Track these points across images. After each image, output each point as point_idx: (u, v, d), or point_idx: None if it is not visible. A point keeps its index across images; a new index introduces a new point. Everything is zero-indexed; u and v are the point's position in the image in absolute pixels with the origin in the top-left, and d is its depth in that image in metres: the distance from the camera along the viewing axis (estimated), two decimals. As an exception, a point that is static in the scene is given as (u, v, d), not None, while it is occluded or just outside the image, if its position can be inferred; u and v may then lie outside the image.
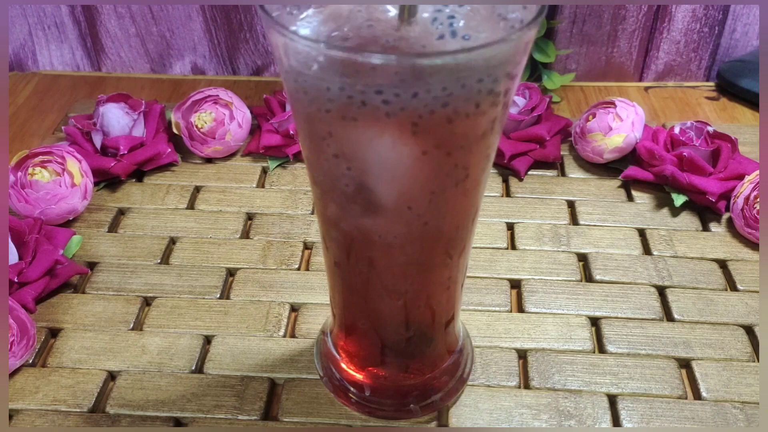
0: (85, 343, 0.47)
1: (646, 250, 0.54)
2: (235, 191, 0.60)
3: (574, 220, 0.57)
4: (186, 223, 0.56)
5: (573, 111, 0.70)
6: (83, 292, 0.51)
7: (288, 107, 0.63)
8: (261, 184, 0.61)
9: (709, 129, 0.58)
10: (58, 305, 0.50)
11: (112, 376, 0.46)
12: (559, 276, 0.52)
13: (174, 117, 0.62)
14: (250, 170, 0.62)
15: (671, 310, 0.49)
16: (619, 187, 0.60)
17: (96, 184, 0.59)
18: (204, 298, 0.50)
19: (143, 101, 0.62)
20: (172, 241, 0.55)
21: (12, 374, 0.45)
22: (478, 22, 0.31)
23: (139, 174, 0.61)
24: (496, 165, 0.61)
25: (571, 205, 0.59)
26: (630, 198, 0.59)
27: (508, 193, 0.60)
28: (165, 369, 0.46)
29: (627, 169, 0.60)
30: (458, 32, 0.30)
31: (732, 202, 0.55)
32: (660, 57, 0.74)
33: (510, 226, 0.57)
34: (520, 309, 0.50)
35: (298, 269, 0.53)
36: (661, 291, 0.51)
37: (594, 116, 0.61)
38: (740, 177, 0.56)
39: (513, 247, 0.55)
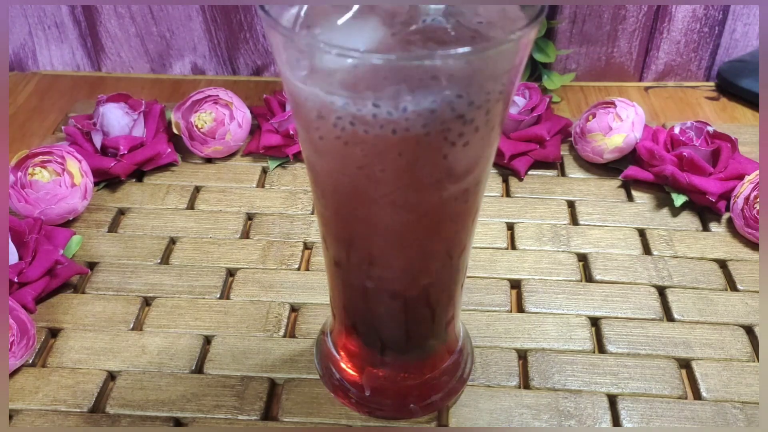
0: (85, 343, 0.47)
1: (646, 250, 0.54)
2: (235, 191, 0.60)
3: (574, 220, 0.57)
4: (186, 223, 0.56)
5: (573, 111, 0.70)
6: (83, 292, 0.51)
7: (288, 107, 0.63)
8: (261, 184, 0.61)
9: (709, 129, 0.58)
10: (58, 305, 0.50)
11: (112, 376, 0.46)
12: (559, 276, 0.52)
13: (174, 117, 0.62)
14: (250, 170, 0.62)
15: (671, 310, 0.49)
16: (619, 187, 0.60)
17: (96, 184, 0.59)
18: (204, 298, 0.50)
19: (143, 101, 0.62)
20: (172, 241, 0.55)
21: (12, 374, 0.45)
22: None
23: (139, 174, 0.61)
24: (496, 165, 0.61)
25: (571, 205, 0.59)
26: (630, 198, 0.59)
27: (508, 193, 0.60)
28: (165, 369, 0.46)
29: (627, 169, 0.60)
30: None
31: (732, 202, 0.55)
32: (660, 57, 0.74)
33: (510, 226, 0.57)
34: (520, 309, 0.50)
35: (298, 269, 0.53)
36: (661, 291, 0.51)
37: (594, 116, 0.61)
38: (740, 177, 0.56)
39: (513, 247, 0.55)
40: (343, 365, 0.43)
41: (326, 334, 0.44)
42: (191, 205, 0.59)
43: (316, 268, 0.53)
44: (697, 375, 0.45)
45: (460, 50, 0.27)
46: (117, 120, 0.60)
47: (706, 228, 0.56)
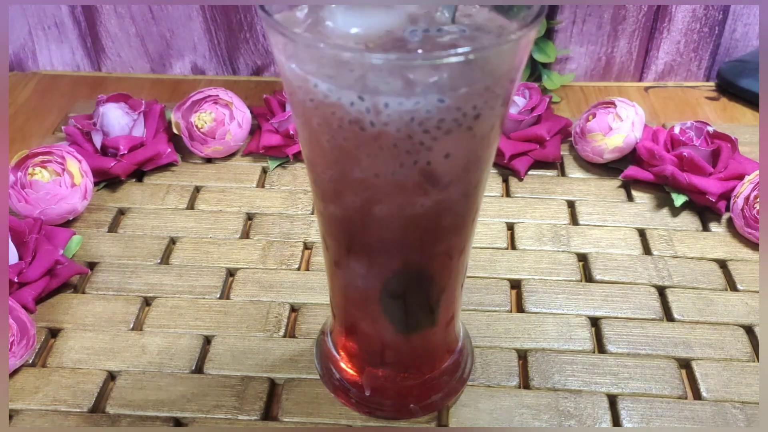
0: (85, 343, 0.47)
1: (646, 250, 0.54)
2: (235, 191, 0.60)
3: (574, 220, 0.57)
4: (186, 223, 0.56)
5: (573, 111, 0.70)
6: (83, 292, 0.51)
7: (288, 107, 0.63)
8: (261, 184, 0.61)
9: (709, 129, 0.58)
10: (58, 305, 0.50)
11: (112, 376, 0.46)
12: (559, 276, 0.52)
13: (174, 117, 0.62)
14: (250, 170, 0.62)
15: (671, 310, 0.49)
16: (619, 187, 0.60)
17: (96, 184, 0.59)
18: (204, 298, 0.50)
19: (143, 101, 0.62)
20: (172, 241, 0.55)
21: (12, 374, 0.45)
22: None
23: (139, 174, 0.61)
24: (496, 165, 0.61)
25: (571, 205, 0.59)
26: (630, 198, 0.59)
27: (508, 193, 0.60)
28: (165, 369, 0.46)
29: (627, 169, 0.60)
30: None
31: (732, 202, 0.55)
32: (660, 57, 0.74)
33: (510, 226, 0.57)
34: (520, 309, 0.50)
35: (298, 269, 0.53)
36: (661, 291, 0.51)
37: (594, 116, 0.61)
38: (740, 177, 0.56)
39: (513, 247, 0.55)
40: (343, 365, 0.43)
41: (326, 334, 0.44)
42: (191, 205, 0.59)
43: (316, 268, 0.53)
44: (697, 375, 0.45)
45: (460, 50, 0.27)
46: (117, 120, 0.60)
47: (706, 228, 0.56)
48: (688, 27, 0.72)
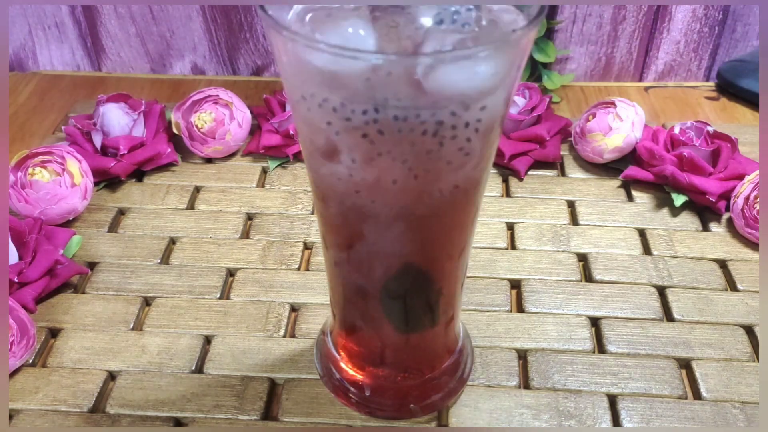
0: (85, 343, 0.47)
1: (646, 250, 0.54)
2: (235, 191, 0.60)
3: (574, 220, 0.57)
4: (186, 223, 0.56)
5: (573, 111, 0.70)
6: (83, 292, 0.51)
7: (288, 107, 0.63)
8: (261, 184, 0.61)
9: (709, 129, 0.58)
10: (58, 305, 0.50)
11: (112, 376, 0.46)
12: (559, 276, 0.52)
13: (174, 117, 0.62)
14: (250, 170, 0.62)
15: (671, 310, 0.49)
16: (619, 187, 0.60)
17: (96, 184, 0.59)
18: (204, 298, 0.50)
19: (143, 101, 0.62)
20: (172, 241, 0.55)
21: (12, 374, 0.45)
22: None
23: (139, 174, 0.61)
24: (496, 165, 0.61)
25: (571, 205, 0.59)
26: (630, 198, 0.59)
27: (508, 193, 0.60)
28: (165, 369, 0.46)
29: (627, 169, 0.60)
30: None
31: (732, 202, 0.55)
32: (660, 57, 0.74)
33: (510, 226, 0.57)
34: (520, 309, 0.50)
35: (298, 269, 0.53)
36: (661, 291, 0.51)
37: (594, 116, 0.61)
38: (740, 177, 0.56)
39: (513, 247, 0.55)
40: (343, 365, 0.43)
41: (326, 334, 0.44)
42: (191, 205, 0.59)
43: (316, 268, 0.53)
44: (697, 375, 0.45)
45: (461, 50, 0.27)
46: (117, 120, 0.60)
47: (706, 228, 0.56)
48: (688, 27, 0.72)
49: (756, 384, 0.44)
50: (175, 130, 0.62)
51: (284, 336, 0.48)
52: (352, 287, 0.39)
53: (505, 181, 0.61)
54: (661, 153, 0.58)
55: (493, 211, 0.57)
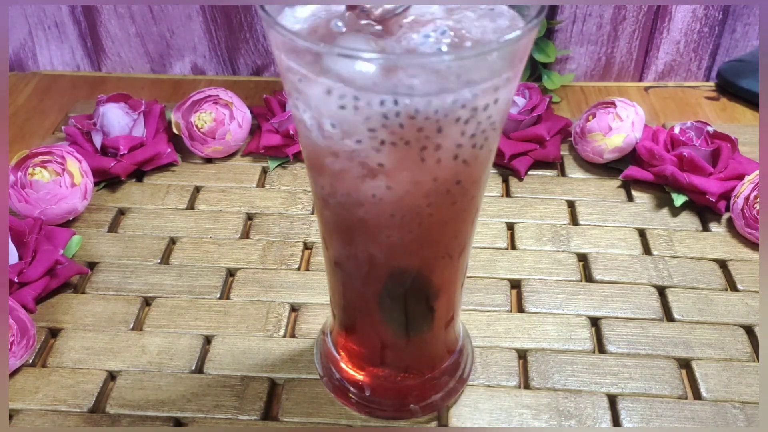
0: (85, 343, 0.47)
1: (646, 250, 0.54)
2: (235, 191, 0.60)
3: (574, 220, 0.57)
4: (186, 223, 0.56)
5: (573, 111, 0.70)
6: (83, 292, 0.51)
7: (288, 107, 0.63)
8: (261, 184, 0.61)
9: (709, 129, 0.58)
10: (58, 305, 0.50)
11: (112, 376, 0.46)
12: (559, 276, 0.52)
13: (174, 117, 0.62)
14: (250, 170, 0.62)
15: (671, 310, 0.49)
16: (619, 187, 0.60)
17: (96, 184, 0.59)
18: (204, 298, 0.50)
19: (143, 101, 0.62)
20: (172, 241, 0.55)
21: (12, 374, 0.45)
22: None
23: (139, 174, 0.61)
24: (496, 165, 0.61)
25: (571, 205, 0.59)
26: (630, 198, 0.59)
27: (508, 193, 0.60)
28: (165, 369, 0.46)
29: (627, 169, 0.60)
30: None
31: (732, 202, 0.55)
32: (660, 57, 0.74)
33: (510, 226, 0.57)
34: (520, 309, 0.50)
35: (298, 269, 0.53)
36: (661, 291, 0.51)
37: (594, 116, 0.61)
38: (740, 177, 0.56)
39: (513, 247, 0.55)
40: (343, 365, 0.43)
41: (326, 334, 0.44)
42: (191, 205, 0.59)
43: (316, 268, 0.53)
44: (697, 375, 0.45)
45: (460, 51, 0.27)
46: (117, 120, 0.60)
47: (706, 228, 0.56)
48: (688, 27, 0.72)
49: (756, 384, 0.44)
50: (175, 130, 0.62)
51: (284, 336, 0.48)
52: (352, 287, 0.39)
53: (505, 181, 0.61)
54: (661, 153, 0.58)
55: (493, 211, 0.57)
